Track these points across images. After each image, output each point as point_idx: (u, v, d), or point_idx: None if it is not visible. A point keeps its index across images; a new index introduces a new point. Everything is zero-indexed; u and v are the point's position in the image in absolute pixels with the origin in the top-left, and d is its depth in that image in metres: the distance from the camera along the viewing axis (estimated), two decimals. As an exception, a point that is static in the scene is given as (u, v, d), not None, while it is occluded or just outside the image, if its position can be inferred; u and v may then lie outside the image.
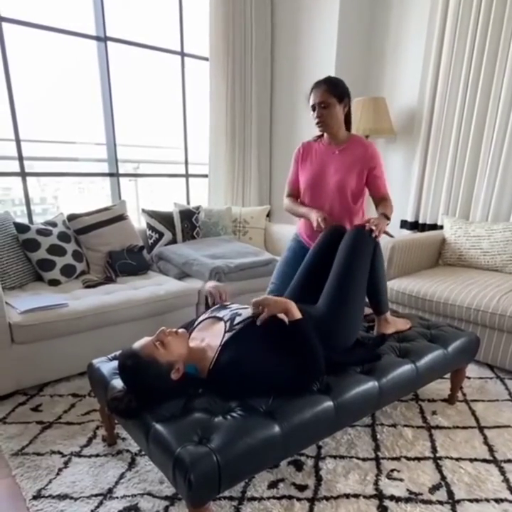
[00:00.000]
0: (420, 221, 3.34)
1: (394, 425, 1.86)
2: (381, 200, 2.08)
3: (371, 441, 1.75)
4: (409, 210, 3.37)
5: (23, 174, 2.95)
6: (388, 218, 1.96)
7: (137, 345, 1.31)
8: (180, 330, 1.41)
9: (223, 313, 1.54)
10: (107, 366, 1.56)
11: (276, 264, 2.35)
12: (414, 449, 1.71)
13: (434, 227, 3.26)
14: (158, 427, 1.20)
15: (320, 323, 1.53)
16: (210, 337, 1.46)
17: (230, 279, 2.73)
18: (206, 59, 3.54)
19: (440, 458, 1.66)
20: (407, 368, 1.63)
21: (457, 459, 1.65)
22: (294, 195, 2.29)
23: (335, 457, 1.65)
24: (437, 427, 1.86)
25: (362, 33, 3.41)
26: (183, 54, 3.55)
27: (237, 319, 1.46)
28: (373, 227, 1.73)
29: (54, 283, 2.44)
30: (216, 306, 1.64)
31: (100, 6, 3.05)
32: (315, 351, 1.39)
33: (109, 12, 3.09)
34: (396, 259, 2.72)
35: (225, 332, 1.43)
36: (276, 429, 1.22)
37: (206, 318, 1.58)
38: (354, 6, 3.28)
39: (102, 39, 3.13)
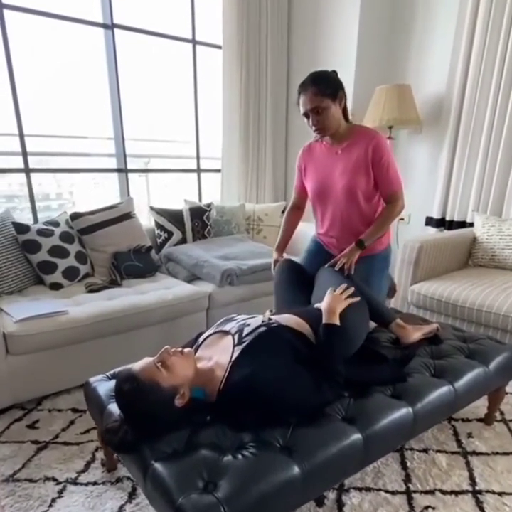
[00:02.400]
0: (447, 218, 3.11)
1: (425, 450, 1.66)
2: (389, 200, 1.86)
3: (400, 470, 1.56)
4: (436, 207, 3.14)
5: (27, 170, 2.81)
6: (362, 244, 1.82)
7: (137, 366, 1.14)
8: (186, 349, 1.23)
9: (230, 326, 1.37)
10: (104, 386, 1.39)
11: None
12: (450, 480, 1.52)
13: (462, 224, 3.03)
14: (158, 466, 1.03)
15: None
16: (218, 354, 1.29)
17: (243, 282, 2.55)
18: (219, 47, 3.34)
19: (480, 492, 1.46)
20: (444, 390, 1.42)
21: (500, 494, 1.45)
22: (300, 204, 2.16)
23: (360, 490, 1.46)
24: (474, 453, 1.66)
25: (386, 15, 3.17)
26: (194, 42, 3.35)
27: (246, 330, 1.30)
28: (345, 267, 1.78)
29: (55, 287, 2.29)
30: (221, 320, 1.46)
31: (107, -9, 2.87)
32: (337, 360, 1.32)
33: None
34: (423, 261, 2.50)
35: (234, 346, 1.26)
36: (296, 470, 1.04)
37: (212, 334, 1.40)
38: (377, -14, 3.05)
39: (109, 26, 2.95)
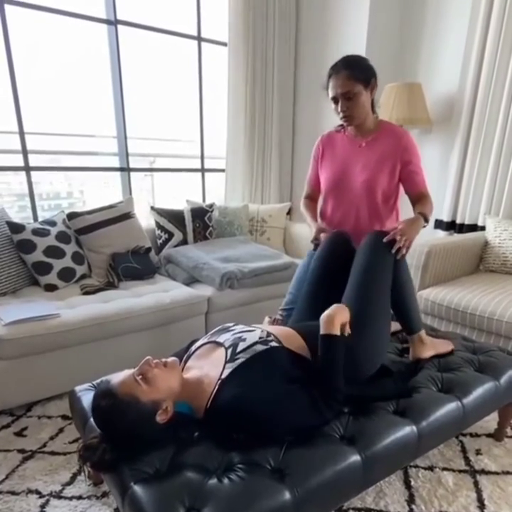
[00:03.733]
0: (458, 221, 3.00)
1: (431, 468, 1.57)
2: (419, 198, 1.77)
3: (404, 490, 1.47)
4: (446, 209, 3.03)
5: (27, 169, 2.77)
6: (426, 219, 1.65)
7: (115, 380, 1.05)
8: (169, 359, 1.14)
9: (224, 338, 1.26)
10: (89, 397, 1.30)
11: (295, 269, 2.06)
12: (457, 501, 1.42)
13: (473, 228, 2.92)
14: (137, 489, 0.94)
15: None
16: (208, 367, 1.20)
17: (244, 286, 2.47)
18: (225, 44, 3.27)
19: (490, 515, 1.37)
20: (451, 406, 1.32)
21: (511, 518, 1.35)
22: (313, 196, 2.03)
23: (360, 510, 1.37)
24: (483, 472, 1.56)
25: (396, 12, 3.07)
26: (199, 38, 3.28)
27: (241, 346, 1.19)
28: (398, 237, 1.46)
29: (50, 288, 2.23)
30: (216, 329, 1.37)
31: (110, -15, 2.81)
32: (338, 376, 1.20)
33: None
34: (432, 265, 2.40)
35: (226, 362, 1.16)
36: (287, 496, 0.95)
37: (205, 344, 1.31)
38: (387, -19, 2.96)
39: (112, 22, 2.89)
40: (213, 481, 0.97)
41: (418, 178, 1.77)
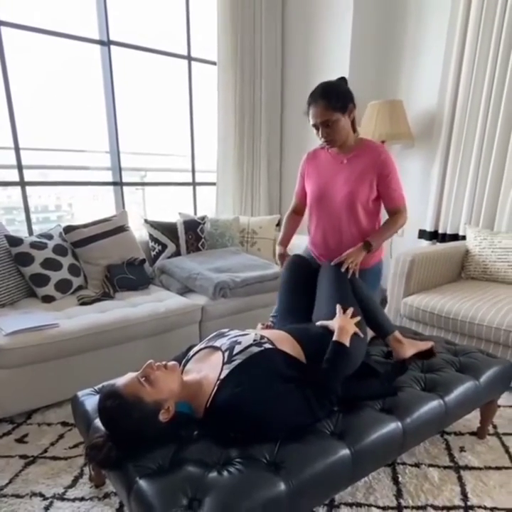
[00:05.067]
0: (440, 231, 3.13)
1: (417, 465, 1.65)
2: (392, 214, 1.89)
3: (392, 485, 1.55)
4: (428, 220, 3.16)
5: (22, 184, 2.82)
6: (369, 246, 1.81)
7: (119, 382, 1.12)
8: (170, 363, 1.22)
9: (221, 342, 1.35)
10: (91, 401, 1.38)
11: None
12: (442, 495, 1.50)
13: (455, 237, 3.05)
14: (142, 483, 1.01)
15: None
16: (206, 369, 1.28)
17: (236, 295, 2.55)
18: (214, 63, 3.39)
19: (472, 507, 1.45)
20: (434, 404, 1.42)
21: (492, 509, 1.44)
22: (300, 208, 2.16)
23: (351, 505, 1.44)
24: (467, 468, 1.64)
25: (377, 33, 3.22)
26: (189, 58, 3.40)
27: (237, 348, 1.28)
28: (343, 259, 1.76)
29: (48, 299, 2.28)
30: (213, 334, 1.46)
31: (103, 9, 2.91)
32: (338, 379, 1.30)
33: (113, 15, 2.95)
34: (415, 273, 2.51)
35: (223, 364, 1.24)
36: (282, 486, 1.03)
37: (202, 348, 1.39)
38: (369, 4, 3.11)
39: (106, 43, 3.00)
40: (213, 474, 1.04)
41: (394, 194, 1.87)
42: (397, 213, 1.88)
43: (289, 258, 1.99)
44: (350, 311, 1.53)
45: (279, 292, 1.92)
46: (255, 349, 1.27)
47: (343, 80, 1.81)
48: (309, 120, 1.78)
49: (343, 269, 1.73)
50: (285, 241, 2.14)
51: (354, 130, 1.87)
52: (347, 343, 1.39)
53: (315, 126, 1.77)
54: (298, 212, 2.18)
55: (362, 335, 1.50)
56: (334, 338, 1.39)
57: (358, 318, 1.54)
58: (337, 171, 1.89)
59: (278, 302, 1.91)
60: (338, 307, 1.54)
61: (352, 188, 1.84)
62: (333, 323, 1.47)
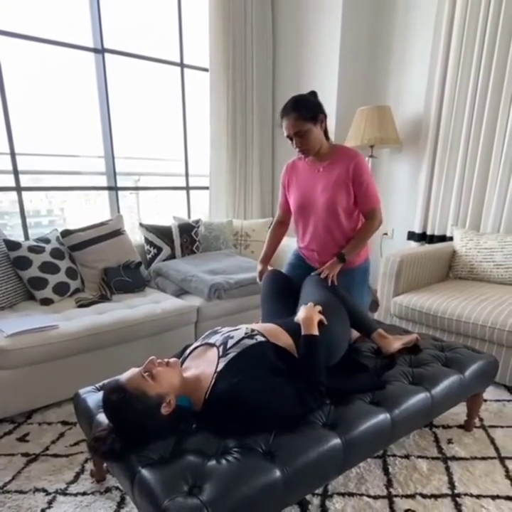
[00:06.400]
0: (428, 232, 3.22)
1: (407, 456, 1.72)
2: (368, 216, 1.95)
3: (383, 476, 1.61)
4: (417, 222, 3.25)
5: (18, 189, 2.87)
6: (343, 260, 1.91)
7: (123, 377, 1.18)
8: (171, 359, 1.29)
9: (215, 339, 1.42)
10: (93, 397, 1.43)
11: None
12: (430, 484, 1.57)
13: (443, 238, 3.14)
14: (145, 472, 1.07)
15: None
16: (203, 365, 1.34)
17: (231, 296, 2.61)
18: (206, 70, 3.46)
19: (459, 495, 1.52)
20: (421, 396, 1.49)
21: (478, 497, 1.51)
22: (285, 219, 2.24)
23: (343, 495, 1.51)
24: (454, 458, 1.71)
25: (366, 40, 3.32)
26: (182, 65, 3.47)
27: (230, 342, 1.36)
28: (323, 270, 1.88)
29: (46, 302, 2.33)
30: (207, 333, 1.52)
31: (97, 17, 2.97)
32: (319, 370, 1.36)
33: (107, 23, 3.02)
34: (404, 273, 2.59)
35: (219, 358, 1.31)
36: (277, 473, 1.09)
37: (198, 346, 1.46)
38: (357, 13, 3.20)
39: (100, 51, 3.05)
40: (212, 462, 1.10)
41: (366, 197, 1.92)
42: (371, 217, 1.95)
43: (267, 272, 2.08)
44: (311, 304, 1.58)
45: (261, 303, 2.00)
46: (248, 341, 1.35)
47: (313, 93, 1.89)
48: (283, 132, 1.86)
49: (322, 276, 1.85)
50: (266, 258, 2.23)
51: (327, 139, 1.94)
52: (315, 332, 1.44)
53: (289, 137, 1.85)
54: (283, 222, 2.25)
55: (326, 322, 1.52)
56: (302, 332, 1.45)
57: (319, 307, 1.57)
58: (315, 180, 1.96)
59: (261, 312, 1.99)
60: (303, 306, 1.58)
61: (330, 195, 1.91)
62: (300, 316, 1.52)
